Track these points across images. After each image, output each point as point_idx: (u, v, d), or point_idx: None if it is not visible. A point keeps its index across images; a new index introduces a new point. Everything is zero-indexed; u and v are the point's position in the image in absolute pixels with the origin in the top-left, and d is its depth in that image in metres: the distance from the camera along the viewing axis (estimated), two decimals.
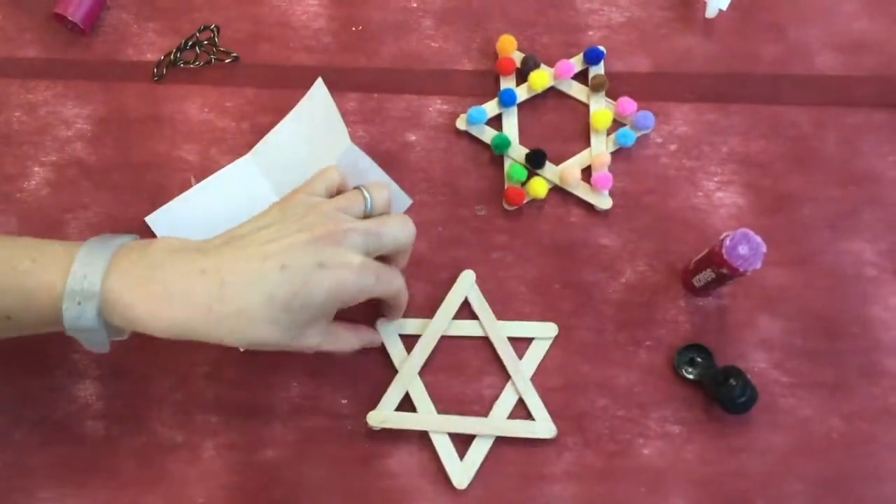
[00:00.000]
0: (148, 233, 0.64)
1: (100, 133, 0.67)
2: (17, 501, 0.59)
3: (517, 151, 0.67)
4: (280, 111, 0.67)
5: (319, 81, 0.63)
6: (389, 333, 0.63)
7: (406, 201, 0.66)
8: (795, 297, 0.65)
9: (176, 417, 0.62)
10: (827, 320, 0.65)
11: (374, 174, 0.63)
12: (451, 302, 0.64)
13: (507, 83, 0.68)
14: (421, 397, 0.62)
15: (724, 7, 0.70)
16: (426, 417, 0.62)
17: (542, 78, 0.67)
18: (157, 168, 0.66)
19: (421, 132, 0.68)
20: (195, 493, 0.60)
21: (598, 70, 0.69)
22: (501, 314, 0.64)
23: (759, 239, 0.56)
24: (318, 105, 0.64)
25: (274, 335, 0.51)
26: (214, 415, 0.62)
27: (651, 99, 0.68)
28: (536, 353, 0.64)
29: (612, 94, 0.68)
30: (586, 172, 0.67)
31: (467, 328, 0.64)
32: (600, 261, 0.66)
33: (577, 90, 0.69)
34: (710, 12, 0.70)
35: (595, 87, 0.68)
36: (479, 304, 0.64)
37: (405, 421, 0.61)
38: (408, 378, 0.62)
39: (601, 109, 0.67)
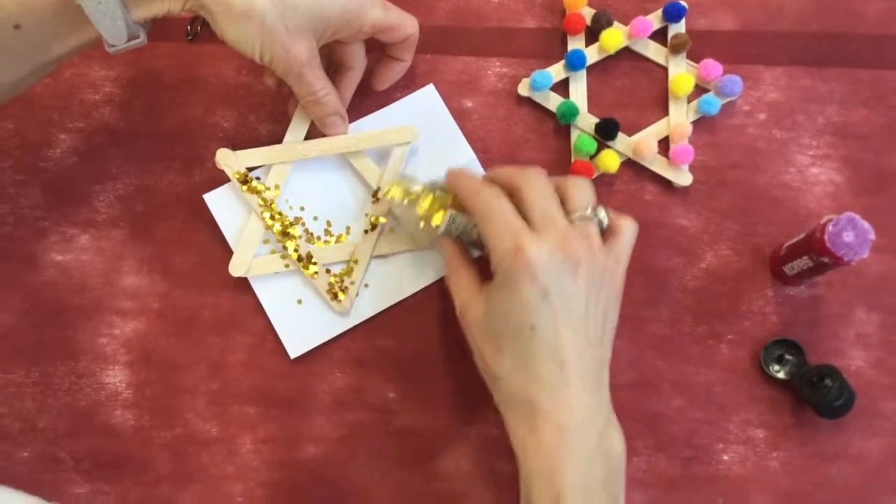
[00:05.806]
0: (199, 208, 0.61)
1: (129, 97, 0.64)
2: (48, 496, 0.56)
3: (586, 121, 0.63)
4: None
5: (431, 87, 0.64)
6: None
7: None
8: None
9: (211, 408, 0.58)
10: None
11: None
12: (297, 125, 0.61)
13: (575, 43, 0.64)
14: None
15: None
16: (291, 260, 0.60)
17: (614, 37, 0.63)
18: (191, 135, 0.63)
19: (479, 98, 0.64)
20: (233, 490, 0.57)
21: (678, 28, 0.65)
22: None
23: (866, 224, 0.53)
24: (426, 107, 0.63)
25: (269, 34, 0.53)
26: (252, 406, 0.58)
27: (738, 62, 0.64)
28: (395, 163, 0.62)
29: (694, 56, 0.64)
30: (663, 144, 0.63)
31: (322, 146, 0.61)
32: (678, 244, 0.61)
33: (655, 51, 0.65)
34: None
35: (675, 48, 0.64)
36: None
37: (270, 265, 0.60)
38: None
39: (681, 73, 0.63)
